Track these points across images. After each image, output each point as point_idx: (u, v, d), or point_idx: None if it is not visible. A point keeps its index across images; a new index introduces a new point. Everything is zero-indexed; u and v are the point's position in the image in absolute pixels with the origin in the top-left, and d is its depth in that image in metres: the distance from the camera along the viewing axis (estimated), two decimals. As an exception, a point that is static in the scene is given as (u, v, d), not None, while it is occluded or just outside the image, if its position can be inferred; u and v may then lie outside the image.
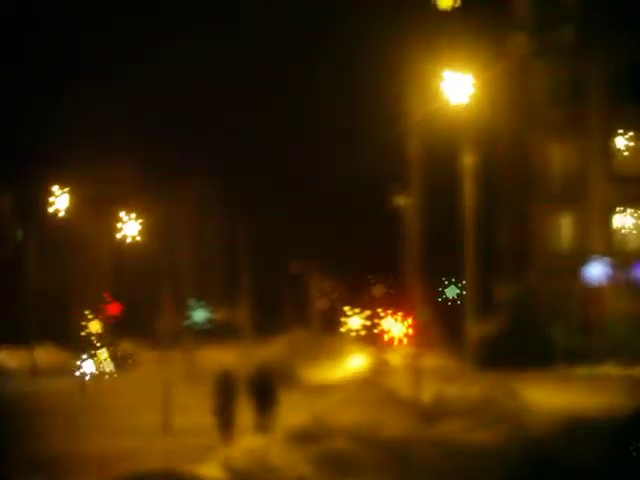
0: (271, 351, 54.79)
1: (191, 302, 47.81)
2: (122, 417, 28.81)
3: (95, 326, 57.62)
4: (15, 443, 19.22)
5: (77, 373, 43.58)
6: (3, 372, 44.98)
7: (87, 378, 42.09)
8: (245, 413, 22.47)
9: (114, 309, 69.76)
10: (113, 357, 45.71)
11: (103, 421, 27.77)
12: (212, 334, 57.89)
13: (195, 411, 29.14)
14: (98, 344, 61.57)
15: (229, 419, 22.39)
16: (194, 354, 48.12)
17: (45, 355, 55.06)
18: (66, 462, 19.49)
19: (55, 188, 48.53)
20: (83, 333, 47.40)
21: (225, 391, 22.64)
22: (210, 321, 66.44)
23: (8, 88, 66.02)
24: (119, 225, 57.17)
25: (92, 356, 45.25)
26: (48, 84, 70.97)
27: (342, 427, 18.36)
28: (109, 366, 45.59)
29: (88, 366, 44.48)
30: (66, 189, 48.34)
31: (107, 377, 44.17)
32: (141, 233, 55.56)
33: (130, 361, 46.38)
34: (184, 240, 48.65)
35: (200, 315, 72.80)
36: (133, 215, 46.23)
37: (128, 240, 51.08)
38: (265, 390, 22.41)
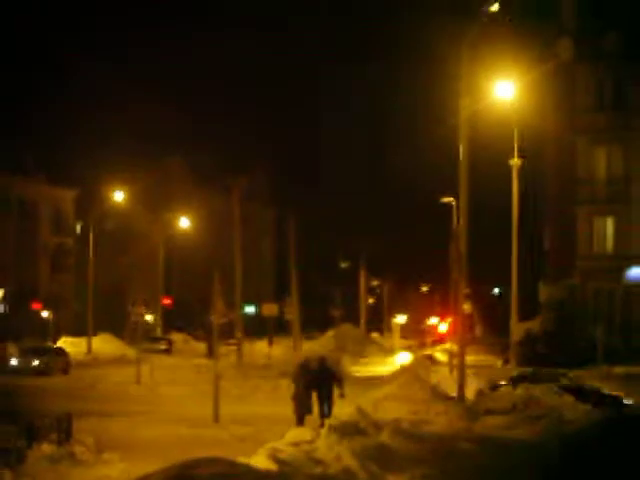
0: (319, 346, 55.41)
1: (240, 298, 48.38)
2: (174, 406, 29.68)
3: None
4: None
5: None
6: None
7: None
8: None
9: (166, 301, 70.95)
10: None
11: (156, 409, 28.67)
12: (261, 328, 58.61)
13: (244, 402, 30.04)
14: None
15: (306, 405, 23.05)
16: (244, 347, 48.83)
17: (102, 344, 56.38)
18: (126, 446, 20.28)
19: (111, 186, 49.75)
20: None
21: (304, 378, 23.23)
22: (258, 315, 67.30)
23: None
24: (170, 221, 58.03)
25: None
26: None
27: (387, 421, 18.60)
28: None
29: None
30: (120, 187, 49.52)
31: None
32: (192, 228, 56.50)
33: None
34: (233, 236, 49.35)
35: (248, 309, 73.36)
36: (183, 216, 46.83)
37: (180, 234, 51.60)
38: (325, 381, 23.23)
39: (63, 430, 18.39)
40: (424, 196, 58.88)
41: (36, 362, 42.70)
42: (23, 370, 41.81)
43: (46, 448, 17.39)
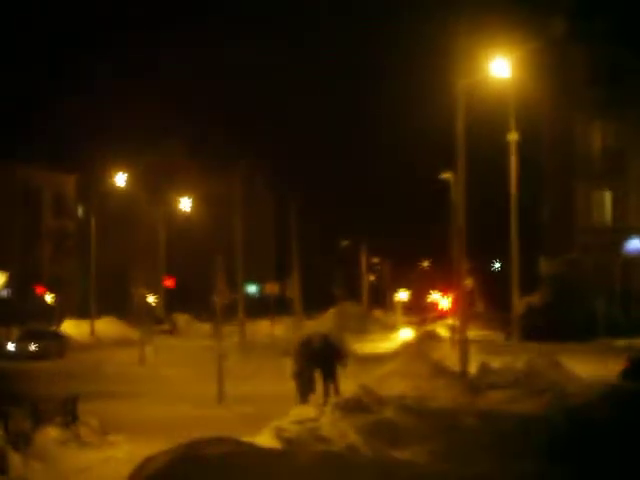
0: (321, 324, 55.53)
1: (242, 279, 48.46)
2: (178, 387, 29.83)
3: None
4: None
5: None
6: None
7: None
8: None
9: (169, 283, 71.03)
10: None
11: (161, 390, 28.81)
12: (263, 308, 58.74)
13: (247, 382, 30.15)
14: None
15: (309, 383, 23.09)
16: (246, 327, 48.92)
17: (105, 327, 56.54)
18: (132, 427, 20.38)
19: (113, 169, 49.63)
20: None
21: (305, 356, 23.26)
22: (261, 295, 67.35)
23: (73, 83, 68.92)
24: (172, 202, 58.09)
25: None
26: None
27: (391, 398, 18.56)
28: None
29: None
30: (123, 170, 49.45)
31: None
32: (193, 210, 56.55)
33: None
34: (235, 216, 49.36)
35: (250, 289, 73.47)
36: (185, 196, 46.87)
37: (181, 216, 51.66)
38: (328, 359, 23.29)
39: (69, 412, 18.47)
40: (422, 172, 58.83)
41: (33, 346, 42.67)
42: (20, 354, 41.83)
43: (52, 431, 17.49)
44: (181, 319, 66.08)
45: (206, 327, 57.69)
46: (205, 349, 41.02)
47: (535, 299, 46.07)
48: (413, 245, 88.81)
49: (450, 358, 29.27)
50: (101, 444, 18.08)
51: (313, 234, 71.57)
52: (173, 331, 60.74)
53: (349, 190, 79.75)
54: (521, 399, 18.35)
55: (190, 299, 70.80)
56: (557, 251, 47.83)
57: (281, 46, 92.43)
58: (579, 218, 47.17)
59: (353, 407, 17.37)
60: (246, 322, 49.44)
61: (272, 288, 54.05)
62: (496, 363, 25.71)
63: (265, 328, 54.04)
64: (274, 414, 19.11)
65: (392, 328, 62.36)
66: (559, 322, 40.12)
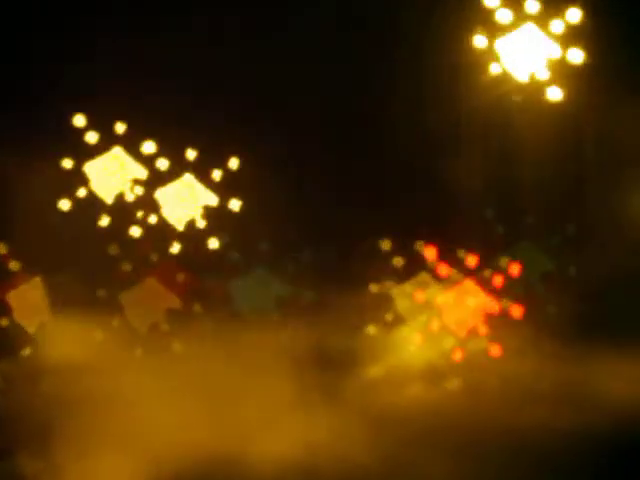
0: (327, 325, 54.98)
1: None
2: (174, 389, 28.86)
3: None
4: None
5: None
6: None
7: None
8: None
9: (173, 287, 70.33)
10: None
11: (155, 393, 27.87)
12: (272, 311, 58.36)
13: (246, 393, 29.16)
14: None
15: (313, 386, 22.77)
16: (249, 326, 48.39)
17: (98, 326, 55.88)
18: (117, 438, 18.88)
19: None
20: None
21: (312, 359, 23.13)
22: (275, 301, 66.42)
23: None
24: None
25: None
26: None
27: (403, 406, 17.98)
28: None
29: None
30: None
31: None
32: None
33: None
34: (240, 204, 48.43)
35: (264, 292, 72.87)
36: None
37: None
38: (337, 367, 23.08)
39: (40, 430, 17.22)
40: (434, 169, 58.20)
41: None
42: None
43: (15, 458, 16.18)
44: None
45: (208, 326, 57.18)
46: (206, 349, 40.28)
47: (572, 302, 45.24)
48: (422, 237, 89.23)
49: (474, 368, 28.37)
50: (78, 462, 16.79)
51: (325, 235, 71.51)
52: (172, 330, 60.11)
53: (349, 188, 79.97)
54: (563, 415, 17.12)
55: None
56: (600, 249, 46.87)
57: (281, 40, 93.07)
58: (626, 213, 46.03)
59: (368, 418, 16.95)
60: (249, 322, 48.85)
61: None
62: (521, 371, 24.59)
63: (269, 328, 53.47)
64: (276, 418, 18.18)
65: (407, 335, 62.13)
66: (588, 327, 39.10)
